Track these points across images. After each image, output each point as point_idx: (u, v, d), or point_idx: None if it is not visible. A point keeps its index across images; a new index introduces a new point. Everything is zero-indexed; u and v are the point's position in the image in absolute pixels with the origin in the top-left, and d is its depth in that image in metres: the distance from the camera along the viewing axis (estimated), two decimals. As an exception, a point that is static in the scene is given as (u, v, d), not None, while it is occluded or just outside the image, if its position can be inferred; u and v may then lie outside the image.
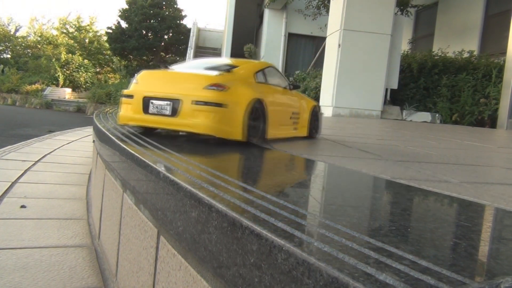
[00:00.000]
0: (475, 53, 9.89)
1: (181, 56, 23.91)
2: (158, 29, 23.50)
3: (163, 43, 24.56)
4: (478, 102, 8.59)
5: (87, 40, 29.39)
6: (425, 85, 9.46)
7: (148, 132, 2.04)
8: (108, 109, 4.10)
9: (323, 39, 11.48)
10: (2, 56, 31.20)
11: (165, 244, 0.98)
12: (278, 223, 0.62)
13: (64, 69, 26.29)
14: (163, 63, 23.13)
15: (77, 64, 26.61)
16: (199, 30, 21.57)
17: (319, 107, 2.93)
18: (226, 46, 16.02)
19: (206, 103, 1.87)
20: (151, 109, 1.95)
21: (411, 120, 8.91)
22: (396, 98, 9.51)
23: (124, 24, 23.85)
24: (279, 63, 15.19)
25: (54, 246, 1.83)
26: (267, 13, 15.26)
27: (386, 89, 9.15)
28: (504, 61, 8.02)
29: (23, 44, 31.38)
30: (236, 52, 16.55)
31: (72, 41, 29.07)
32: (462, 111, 8.73)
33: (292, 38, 15.56)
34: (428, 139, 3.51)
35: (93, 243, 1.94)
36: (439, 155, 2.23)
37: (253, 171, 1.26)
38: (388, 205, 0.90)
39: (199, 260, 0.78)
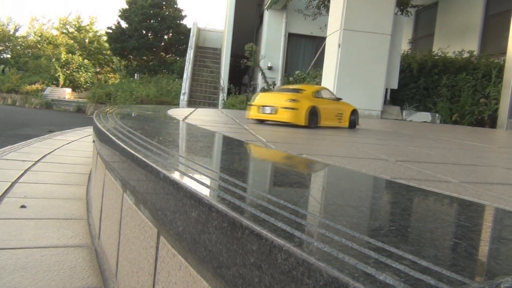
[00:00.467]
0: (475, 53, 9.88)
1: (181, 56, 23.90)
2: (158, 29, 23.48)
3: (163, 43, 24.54)
4: (478, 102, 8.59)
5: (87, 40, 29.38)
6: (425, 85, 9.46)
7: (259, 122, 4.01)
8: (108, 109, 4.10)
9: (323, 39, 11.48)
10: (2, 56, 31.17)
11: (165, 244, 0.98)
12: (278, 223, 0.62)
13: (64, 69, 26.28)
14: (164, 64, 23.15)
15: (77, 64, 26.60)
16: (199, 30, 21.56)
17: (356, 110, 4.43)
18: (226, 46, 16.01)
19: (287, 108, 3.74)
20: (263, 110, 3.92)
21: (411, 120, 8.91)
22: (396, 98, 9.51)
23: (124, 24, 23.83)
24: (279, 63, 15.19)
25: (54, 246, 1.83)
26: (267, 13, 15.25)
27: (386, 89, 9.15)
28: (504, 61, 8.01)
29: (23, 44, 31.36)
30: (237, 52, 16.56)
31: (72, 41, 29.05)
32: (462, 111, 8.73)
33: (292, 38, 15.55)
34: (428, 139, 3.52)
35: (93, 243, 1.94)
36: (439, 155, 2.23)
37: (253, 171, 1.26)
38: (388, 205, 0.90)
39: (199, 260, 0.78)
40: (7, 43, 31.28)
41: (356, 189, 1.05)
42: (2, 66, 27.16)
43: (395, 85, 8.91)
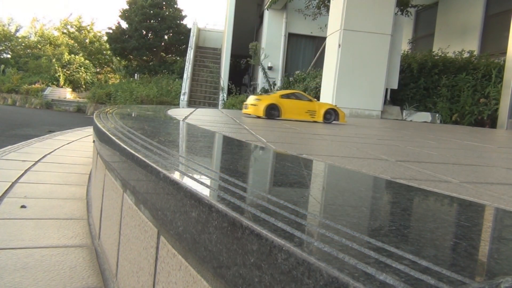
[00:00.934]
0: (475, 53, 9.88)
1: (181, 56, 23.90)
2: (158, 29, 23.47)
3: (163, 43, 24.53)
4: (478, 102, 8.59)
5: (87, 40, 29.38)
6: (425, 85, 9.45)
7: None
8: (108, 109, 4.10)
9: (323, 39, 11.48)
10: (2, 56, 31.18)
11: (165, 244, 0.98)
12: (278, 223, 0.62)
13: (65, 70, 26.29)
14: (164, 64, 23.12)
15: (78, 64, 26.60)
16: (199, 30, 21.56)
17: (334, 109, 5.36)
18: (226, 46, 16.00)
19: (252, 105, 5.22)
20: (245, 107, 5.45)
21: (411, 120, 8.91)
22: (396, 98, 9.51)
23: (124, 24, 23.81)
24: (279, 63, 15.18)
25: (55, 246, 1.83)
26: (267, 13, 15.24)
27: (386, 89, 9.14)
28: (504, 61, 8.01)
29: (23, 44, 31.37)
30: (237, 52, 16.55)
31: (73, 41, 29.05)
32: (462, 111, 8.73)
33: (292, 38, 15.55)
34: (428, 139, 3.52)
35: (93, 243, 1.94)
36: (439, 155, 2.23)
37: (253, 171, 1.26)
38: (388, 205, 0.90)
39: (199, 260, 0.78)
40: (7, 43, 31.29)
41: (356, 189, 1.05)
42: (3, 66, 27.17)
43: (395, 85, 8.91)
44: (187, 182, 0.89)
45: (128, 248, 1.34)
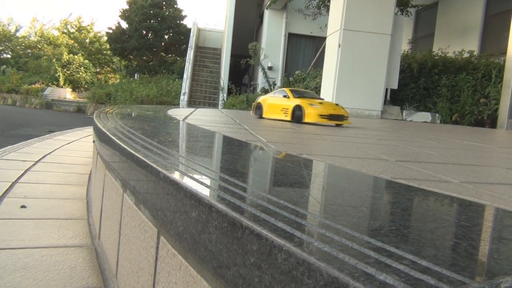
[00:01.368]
0: (475, 53, 9.88)
1: (181, 56, 23.89)
2: (158, 29, 23.46)
3: (163, 43, 24.53)
4: (478, 102, 8.59)
5: (87, 40, 29.38)
6: (425, 85, 9.45)
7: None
8: (108, 109, 4.10)
9: (323, 39, 11.48)
10: (2, 56, 31.18)
11: (165, 244, 0.98)
12: (278, 223, 0.62)
13: (65, 69, 26.29)
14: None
15: (77, 64, 26.60)
16: (199, 30, 21.56)
17: (300, 105, 4.84)
18: (226, 46, 16.00)
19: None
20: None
21: (411, 120, 8.91)
22: (396, 98, 9.51)
23: (124, 24, 23.80)
24: (279, 63, 15.18)
25: (55, 246, 1.83)
26: (267, 13, 15.24)
27: (386, 89, 9.14)
28: (504, 61, 8.01)
29: (23, 44, 31.36)
30: (237, 52, 16.55)
31: (73, 41, 29.05)
32: (462, 111, 8.73)
33: (292, 38, 15.55)
34: (428, 139, 3.52)
35: (93, 243, 1.94)
36: (439, 155, 2.23)
37: (253, 171, 1.26)
38: (388, 205, 0.90)
39: (199, 260, 0.78)
40: (7, 43, 31.30)
41: (356, 189, 1.05)
42: (4, 66, 27.17)
43: (395, 85, 8.91)
44: (187, 182, 0.89)
45: (128, 248, 1.34)
